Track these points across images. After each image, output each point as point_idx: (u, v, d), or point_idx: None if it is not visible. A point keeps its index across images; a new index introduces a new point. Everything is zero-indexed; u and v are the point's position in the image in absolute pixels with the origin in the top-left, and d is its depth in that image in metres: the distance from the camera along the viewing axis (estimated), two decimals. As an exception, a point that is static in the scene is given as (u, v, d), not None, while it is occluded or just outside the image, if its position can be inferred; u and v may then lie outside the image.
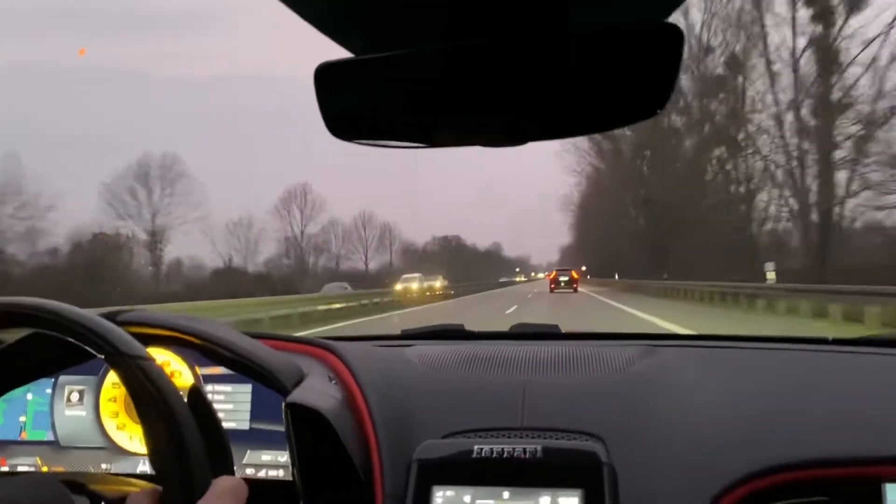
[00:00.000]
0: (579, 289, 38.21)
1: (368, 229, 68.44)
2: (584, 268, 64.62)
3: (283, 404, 0.82)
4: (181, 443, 0.63)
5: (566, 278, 38.28)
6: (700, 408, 0.95)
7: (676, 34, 0.52)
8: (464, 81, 0.57)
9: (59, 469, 0.99)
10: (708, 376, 1.04)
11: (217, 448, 0.68)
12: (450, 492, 0.82)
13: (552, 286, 38.43)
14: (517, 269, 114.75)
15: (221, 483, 0.63)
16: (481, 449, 0.84)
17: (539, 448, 0.83)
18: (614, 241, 50.84)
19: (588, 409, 0.96)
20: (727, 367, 1.09)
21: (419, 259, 74.30)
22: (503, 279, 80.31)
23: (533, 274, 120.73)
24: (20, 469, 0.99)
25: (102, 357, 0.68)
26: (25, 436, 1.01)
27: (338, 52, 0.59)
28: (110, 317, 0.79)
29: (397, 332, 1.48)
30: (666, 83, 0.53)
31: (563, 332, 1.43)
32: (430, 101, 0.59)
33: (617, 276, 47.30)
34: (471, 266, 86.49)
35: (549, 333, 1.39)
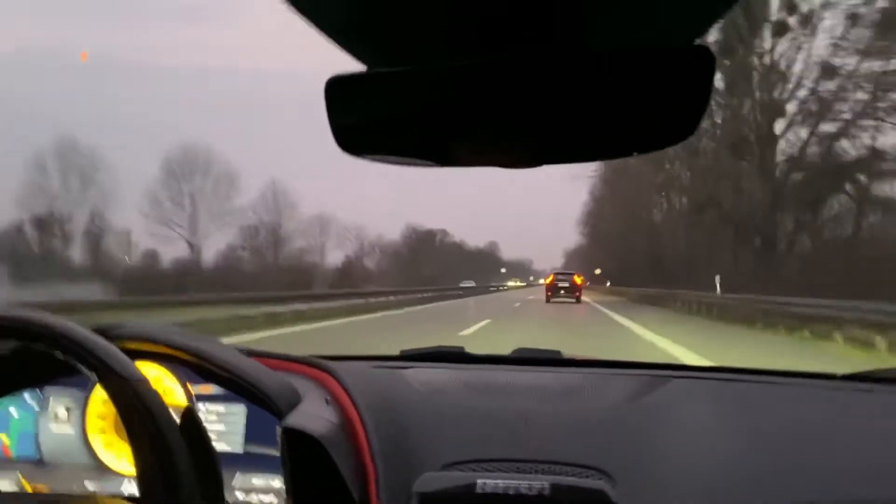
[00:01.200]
0: (591, 300, 30.70)
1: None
2: (598, 271, 55.40)
3: (279, 428, 0.79)
4: (171, 469, 0.60)
5: (566, 284, 29.84)
6: (711, 445, 0.92)
7: (707, 57, 0.49)
8: (479, 99, 0.55)
9: (42, 488, 0.95)
10: (719, 411, 1.01)
11: (208, 474, 0.65)
12: None
13: (548, 294, 29.97)
14: (503, 270, 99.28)
15: None
16: (485, 483, 0.80)
17: (547, 485, 0.80)
18: (639, 245, 42.42)
19: (594, 443, 0.93)
20: (738, 403, 1.06)
21: (385, 258, 64.90)
22: (491, 284, 68.15)
23: (532, 279, 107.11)
24: (0, 488, 0.96)
25: (94, 376, 0.65)
26: (8, 452, 0.98)
27: (348, 64, 0.56)
28: (103, 331, 0.76)
29: None
30: (696, 108, 0.50)
31: (567, 357, 1.40)
32: (443, 119, 0.57)
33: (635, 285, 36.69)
34: (459, 267, 76.85)
35: (551, 360, 1.36)
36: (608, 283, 46.88)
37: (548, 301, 28.56)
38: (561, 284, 30.02)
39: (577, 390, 1.07)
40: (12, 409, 0.99)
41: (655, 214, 45.36)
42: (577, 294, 29.70)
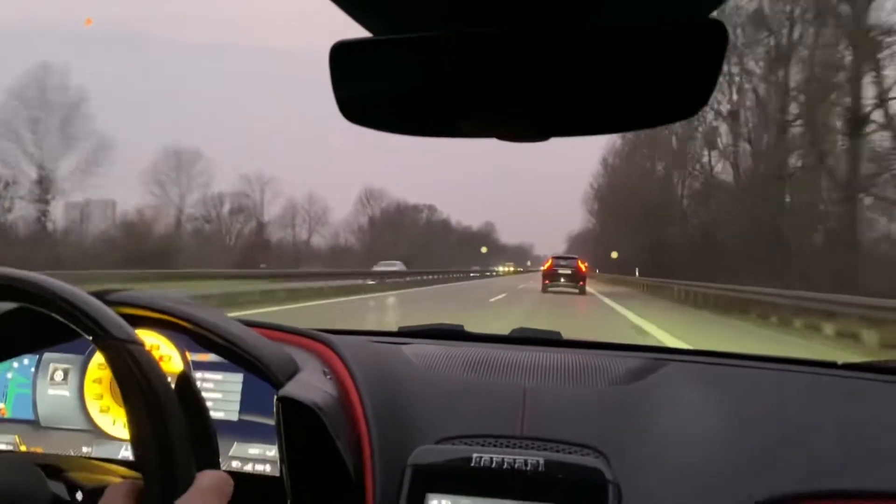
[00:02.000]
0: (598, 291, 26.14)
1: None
2: (614, 255, 45.66)
3: (275, 397, 0.79)
4: (166, 434, 0.60)
5: (567, 271, 24.99)
6: (707, 429, 0.92)
7: (720, 32, 0.49)
8: (486, 69, 0.54)
9: (38, 450, 0.96)
10: (715, 395, 1.01)
11: (203, 440, 0.65)
12: (445, 500, 0.79)
13: (545, 282, 25.27)
14: (483, 250, 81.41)
15: (206, 477, 0.60)
16: (480, 457, 0.80)
17: (541, 461, 0.80)
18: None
19: (590, 422, 0.93)
20: (734, 387, 1.05)
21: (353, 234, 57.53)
22: (473, 269, 57.41)
23: (529, 263, 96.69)
24: None
25: (90, 339, 0.65)
26: (5, 413, 0.98)
27: (354, 30, 0.55)
28: (100, 295, 0.76)
29: None
30: (706, 82, 0.50)
31: (565, 339, 1.40)
32: (450, 89, 0.56)
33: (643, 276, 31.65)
34: (444, 247, 69.41)
35: (550, 340, 1.36)
36: (636, 273, 35.64)
37: (544, 290, 24.21)
38: (561, 271, 25.04)
39: (575, 370, 1.07)
40: (9, 373, 0.99)
41: (694, 185, 36.34)
42: (581, 283, 24.59)
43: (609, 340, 1.39)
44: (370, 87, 0.58)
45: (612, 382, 1.04)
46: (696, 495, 0.83)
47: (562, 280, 24.81)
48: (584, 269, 25.74)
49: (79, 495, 0.71)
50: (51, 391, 0.98)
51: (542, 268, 27.65)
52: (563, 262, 26.03)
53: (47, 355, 0.99)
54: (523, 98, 0.54)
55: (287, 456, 0.79)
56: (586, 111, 0.54)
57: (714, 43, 0.49)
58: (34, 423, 0.97)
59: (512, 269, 77.02)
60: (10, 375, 0.99)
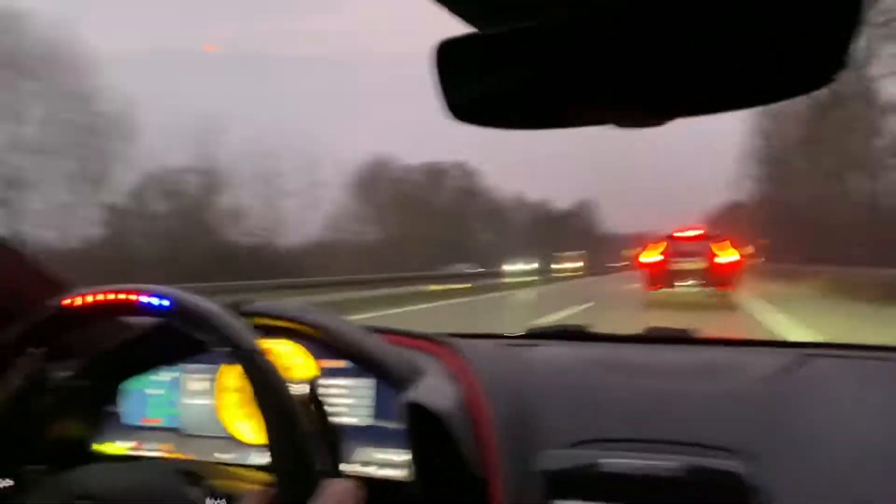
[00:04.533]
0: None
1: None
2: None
3: (402, 403, 0.79)
4: (293, 441, 0.62)
5: (698, 265, 12.66)
6: (856, 428, 0.84)
7: None
8: (597, 54, 0.52)
9: (182, 456, 1.01)
10: (873, 392, 0.92)
11: (328, 448, 0.66)
12: None
13: (651, 284, 13.22)
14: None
15: (333, 486, 0.62)
16: (611, 462, 0.77)
17: (677, 465, 0.75)
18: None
19: (727, 423, 0.87)
20: (890, 383, 0.95)
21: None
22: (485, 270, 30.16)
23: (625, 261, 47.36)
24: (147, 454, 1.03)
25: (224, 350, 0.68)
26: (153, 422, 1.05)
27: (456, 28, 0.54)
28: (235, 307, 0.80)
29: None
30: (840, 47, 0.45)
31: (699, 336, 1.33)
32: (560, 79, 0.54)
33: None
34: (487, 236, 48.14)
35: (684, 338, 1.29)
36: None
37: (654, 287, 13.02)
38: (684, 265, 12.78)
39: (709, 369, 1.01)
40: (153, 382, 1.06)
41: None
42: (727, 286, 12.49)
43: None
44: (478, 84, 0.57)
45: (750, 380, 0.97)
46: (846, 501, 0.76)
47: (689, 281, 12.73)
48: (730, 259, 12.81)
49: (218, 501, 0.74)
50: (191, 400, 1.04)
51: (642, 259, 13.85)
52: (687, 248, 13.10)
53: (189, 365, 1.05)
54: (638, 81, 0.51)
55: (416, 460, 0.80)
56: (707, 88, 0.50)
57: (849, 3, 0.43)
58: (179, 432, 1.03)
59: (571, 265, 43.30)
60: (154, 384, 1.06)
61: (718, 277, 12.57)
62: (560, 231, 61.18)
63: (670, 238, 13.85)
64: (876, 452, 0.81)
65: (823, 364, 1.01)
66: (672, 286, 12.83)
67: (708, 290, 12.57)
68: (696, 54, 0.48)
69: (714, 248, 12.92)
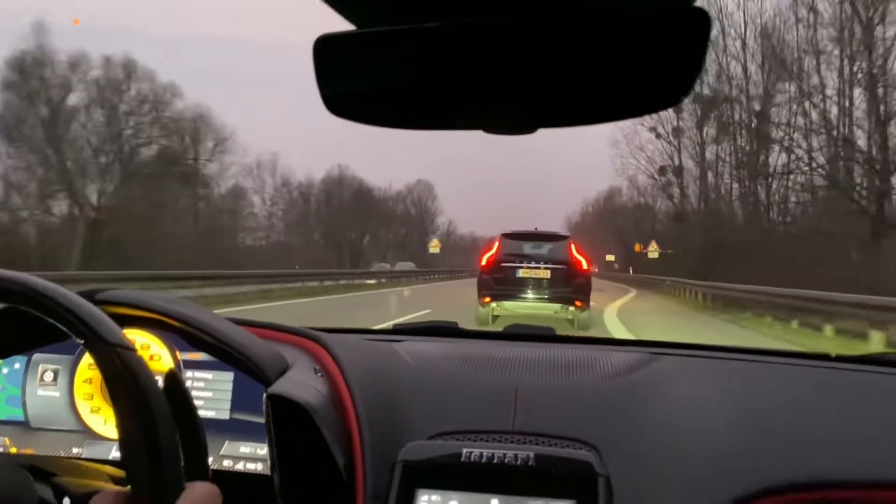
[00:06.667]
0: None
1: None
2: (610, 258, 32.81)
3: (264, 395, 0.78)
4: (155, 442, 0.59)
5: (546, 273, 10.19)
6: (701, 423, 0.92)
7: (703, 19, 0.49)
8: (472, 61, 0.54)
9: (29, 451, 0.95)
10: (710, 389, 1.01)
11: (193, 448, 0.64)
12: (435, 496, 0.78)
13: (486, 293, 10.37)
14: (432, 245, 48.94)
15: (196, 490, 0.60)
16: (470, 453, 0.80)
17: (531, 455, 0.79)
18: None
19: (583, 416, 0.93)
20: (730, 381, 1.05)
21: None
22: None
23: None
24: None
25: (81, 342, 0.64)
26: None
27: (337, 23, 0.54)
28: (89, 296, 0.75)
29: None
30: (690, 70, 0.50)
31: (559, 335, 1.40)
32: (436, 82, 0.56)
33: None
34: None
35: (544, 336, 1.36)
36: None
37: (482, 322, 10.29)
38: (529, 273, 10.38)
39: (568, 365, 1.06)
40: None
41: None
42: (580, 298, 10.19)
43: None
44: (355, 80, 0.58)
45: (605, 377, 1.03)
46: (689, 488, 0.83)
47: (529, 293, 10.40)
48: (581, 264, 10.57)
49: (66, 501, 0.70)
50: (40, 392, 0.97)
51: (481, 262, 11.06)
52: (533, 248, 10.74)
53: (37, 356, 0.98)
54: (510, 90, 0.53)
55: (277, 454, 0.79)
56: (573, 102, 0.53)
57: (698, 31, 0.49)
58: (24, 425, 0.96)
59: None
60: (1, 372, 0.98)
61: (574, 287, 10.17)
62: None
63: (507, 237, 10.82)
64: (709, 441, 0.89)
65: (666, 362, 1.09)
66: (510, 298, 10.28)
67: (556, 305, 10.14)
68: (562, 70, 0.52)
69: (566, 247, 10.52)
